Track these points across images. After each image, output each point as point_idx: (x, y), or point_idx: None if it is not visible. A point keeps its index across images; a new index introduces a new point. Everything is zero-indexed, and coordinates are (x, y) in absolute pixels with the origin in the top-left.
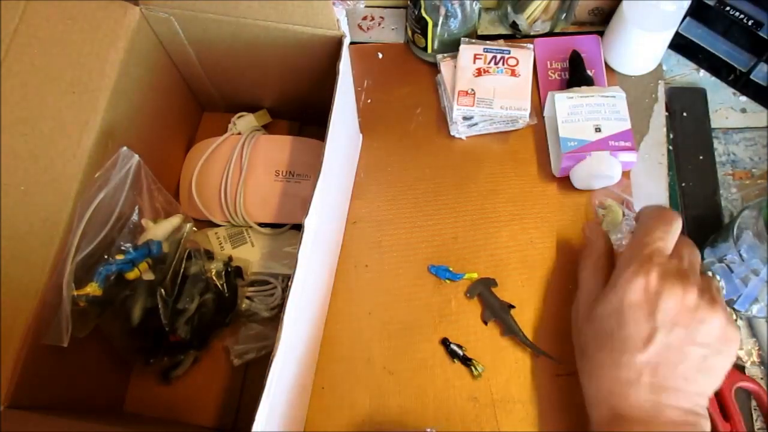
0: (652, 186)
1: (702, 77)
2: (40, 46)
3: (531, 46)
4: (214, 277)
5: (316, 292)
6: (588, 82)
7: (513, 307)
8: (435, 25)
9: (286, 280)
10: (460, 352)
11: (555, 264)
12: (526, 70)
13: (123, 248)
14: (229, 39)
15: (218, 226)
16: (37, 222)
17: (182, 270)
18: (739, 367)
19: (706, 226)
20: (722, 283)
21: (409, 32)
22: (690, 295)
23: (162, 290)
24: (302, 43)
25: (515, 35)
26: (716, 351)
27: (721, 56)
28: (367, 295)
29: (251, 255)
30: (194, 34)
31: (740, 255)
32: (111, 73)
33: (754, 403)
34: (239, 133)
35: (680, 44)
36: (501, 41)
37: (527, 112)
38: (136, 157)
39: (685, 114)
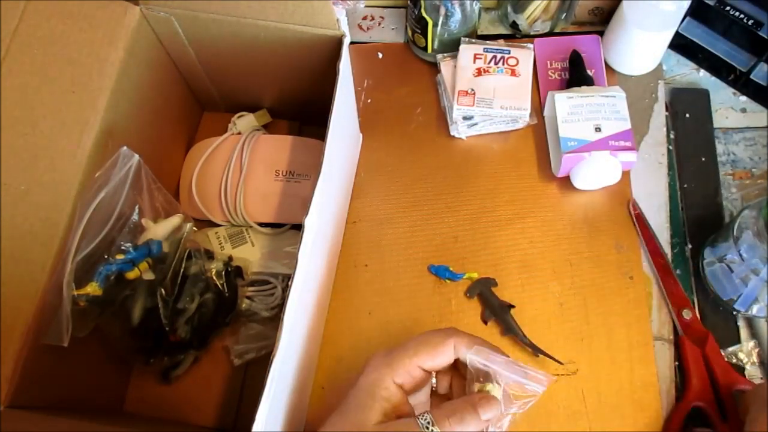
0: (652, 186)
1: (702, 77)
2: (40, 46)
3: (531, 46)
4: (214, 277)
5: (316, 291)
6: (588, 82)
7: (513, 307)
8: (435, 25)
9: (286, 279)
10: None
11: (555, 264)
12: (526, 70)
13: (123, 248)
14: (230, 39)
15: (218, 225)
16: (37, 222)
17: (182, 270)
18: (739, 368)
19: (707, 226)
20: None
21: (409, 32)
22: None
23: (162, 290)
24: (302, 43)
25: (515, 35)
26: None
27: (721, 56)
28: (367, 295)
29: (251, 255)
30: (194, 33)
31: (740, 255)
32: (111, 72)
33: None
34: (239, 133)
35: (680, 44)
36: (501, 41)
37: (527, 112)
38: (137, 156)
39: (687, 115)
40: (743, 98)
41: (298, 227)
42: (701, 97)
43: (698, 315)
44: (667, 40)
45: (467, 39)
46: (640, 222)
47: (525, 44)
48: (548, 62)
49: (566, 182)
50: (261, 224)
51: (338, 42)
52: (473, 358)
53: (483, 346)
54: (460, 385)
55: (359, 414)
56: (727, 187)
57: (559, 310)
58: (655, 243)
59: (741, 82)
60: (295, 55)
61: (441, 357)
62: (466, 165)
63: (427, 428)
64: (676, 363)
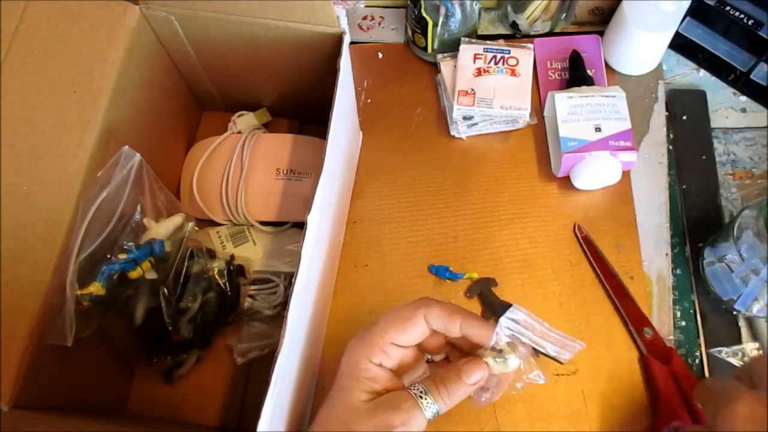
0: (652, 186)
1: (702, 77)
2: (40, 46)
3: (531, 45)
4: (216, 276)
5: (318, 290)
6: (588, 81)
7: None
8: (435, 24)
9: (288, 278)
10: None
11: (555, 264)
12: (526, 69)
13: (125, 247)
14: (229, 37)
15: (220, 225)
16: (39, 222)
17: (184, 269)
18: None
19: (707, 226)
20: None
21: (409, 32)
22: None
23: (164, 289)
24: (302, 41)
25: (515, 35)
26: None
27: (721, 56)
28: (367, 295)
29: (253, 253)
30: (194, 33)
31: (740, 254)
32: (111, 72)
33: None
34: (239, 132)
35: (680, 44)
36: (501, 41)
37: (527, 112)
38: (138, 156)
39: (685, 117)
40: (743, 98)
41: (300, 225)
42: (698, 98)
43: (699, 315)
44: (667, 40)
45: (467, 39)
46: (588, 244)
47: (525, 44)
48: (548, 62)
49: (566, 182)
50: (262, 223)
51: (338, 40)
52: (505, 320)
53: (457, 312)
54: (457, 357)
55: (344, 397)
56: (727, 187)
57: (559, 310)
58: (606, 265)
59: (741, 82)
60: (295, 54)
61: (412, 330)
62: (466, 165)
63: (421, 397)
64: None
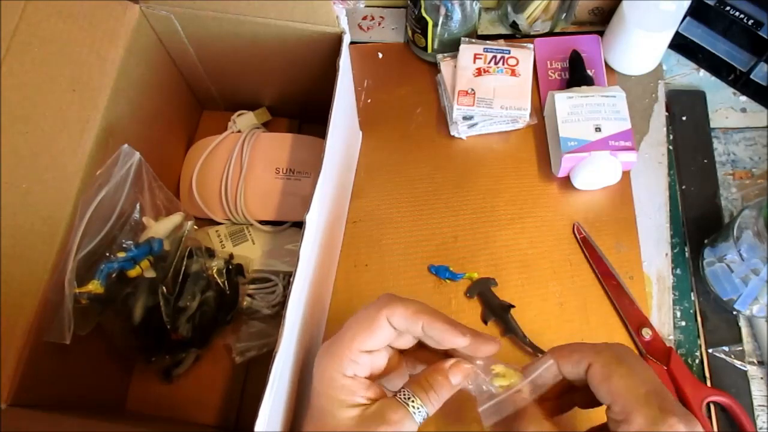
0: (652, 186)
1: (702, 77)
2: (40, 45)
3: (531, 45)
4: (215, 275)
5: (317, 289)
6: (588, 81)
7: (513, 306)
8: (435, 24)
9: (287, 277)
10: None
11: (555, 264)
12: (526, 69)
13: (124, 246)
14: (229, 37)
15: (219, 224)
16: (38, 220)
17: (183, 268)
18: (740, 370)
19: (707, 227)
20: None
21: (409, 32)
22: None
23: (163, 288)
24: (302, 41)
25: (515, 35)
26: None
27: (721, 56)
28: (367, 295)
29: (252, 253)
30: (194, 32)
31: (740, 255)
32: (111, 71)
33: (758, 400)
34: (239, 131)
35: (680, 44)
36: (501, 41)
37: (527, 112)
38: (137, 154)
39: (684, 117)
40: (743, 98)
41: (299, 225)
42: (698, 98)
43: (700, 315)
44: (667, 40)
45: (467, 39)
46: (587, 245)
47: (525, 44)
48: (548, 62)
49: (566, 182)
50: (261, 222)
51: (338, 39)
52: None
53: (421, 312)
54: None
55: (328, 420)
56: (727, 187)
57: (559, 310)
58: (605, 265)
59: (741, 82)
60: (294, 53)
61: (379, 334)
62: (466, 165)
63: (408, 403)
64: None
